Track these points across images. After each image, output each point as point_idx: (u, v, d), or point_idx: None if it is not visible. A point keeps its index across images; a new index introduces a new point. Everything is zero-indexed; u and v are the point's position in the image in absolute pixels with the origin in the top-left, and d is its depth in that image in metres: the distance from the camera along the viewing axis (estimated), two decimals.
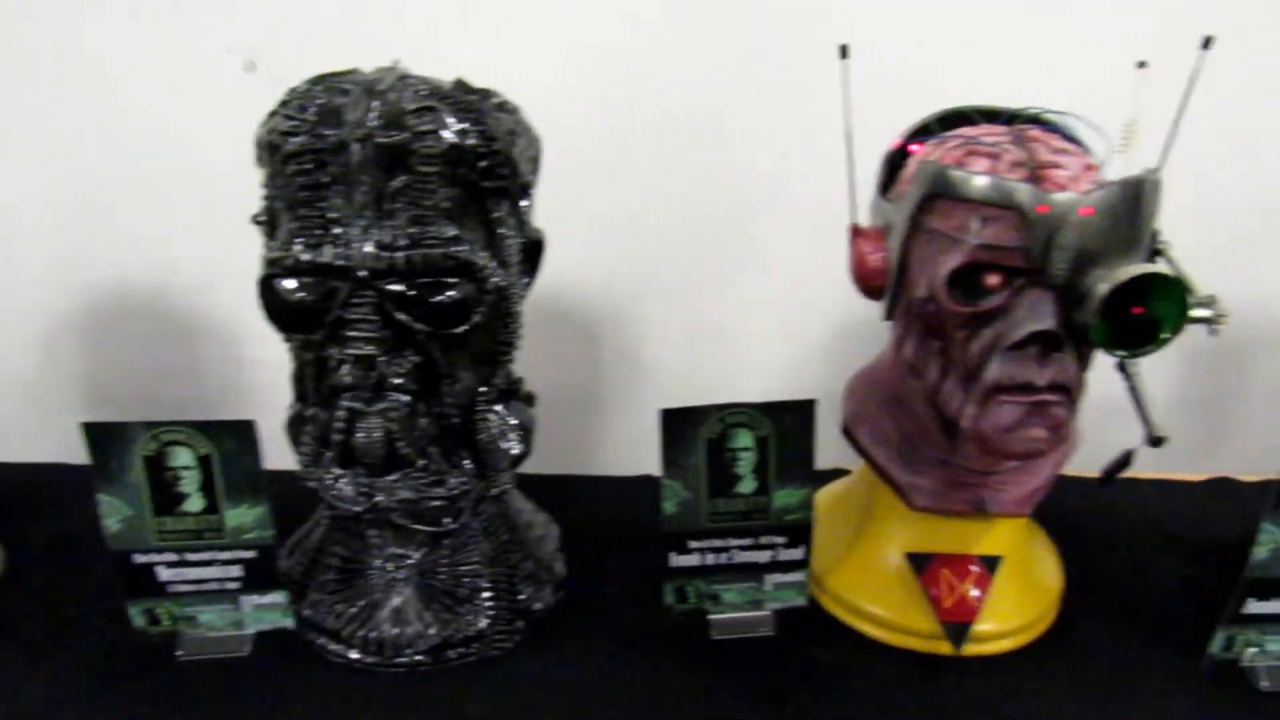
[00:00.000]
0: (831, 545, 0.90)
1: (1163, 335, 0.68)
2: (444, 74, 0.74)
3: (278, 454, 0.79)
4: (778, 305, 1.19)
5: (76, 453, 0.77)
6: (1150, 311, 0.67)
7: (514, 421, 0.80)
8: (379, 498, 0.74)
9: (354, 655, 0.82)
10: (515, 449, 0.80)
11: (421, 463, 0.74)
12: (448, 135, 0.67)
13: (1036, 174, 0.69)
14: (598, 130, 1.07)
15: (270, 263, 0.69)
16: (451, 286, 0.70)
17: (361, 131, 0.66)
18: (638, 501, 1.02)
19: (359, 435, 0.71)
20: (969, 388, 0.72)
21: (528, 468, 0.84)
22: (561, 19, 1.05)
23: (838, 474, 1.03)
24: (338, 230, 0.68)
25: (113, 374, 1.22)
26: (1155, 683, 0.83)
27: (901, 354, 0.78)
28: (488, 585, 0.84)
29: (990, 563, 0.84)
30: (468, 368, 0.75)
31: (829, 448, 0.90)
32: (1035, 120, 0.76)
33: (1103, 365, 0.74)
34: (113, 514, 0.78)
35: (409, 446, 0.72)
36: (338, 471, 0.74)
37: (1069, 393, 0.71)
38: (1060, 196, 0.67)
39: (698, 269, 1.18)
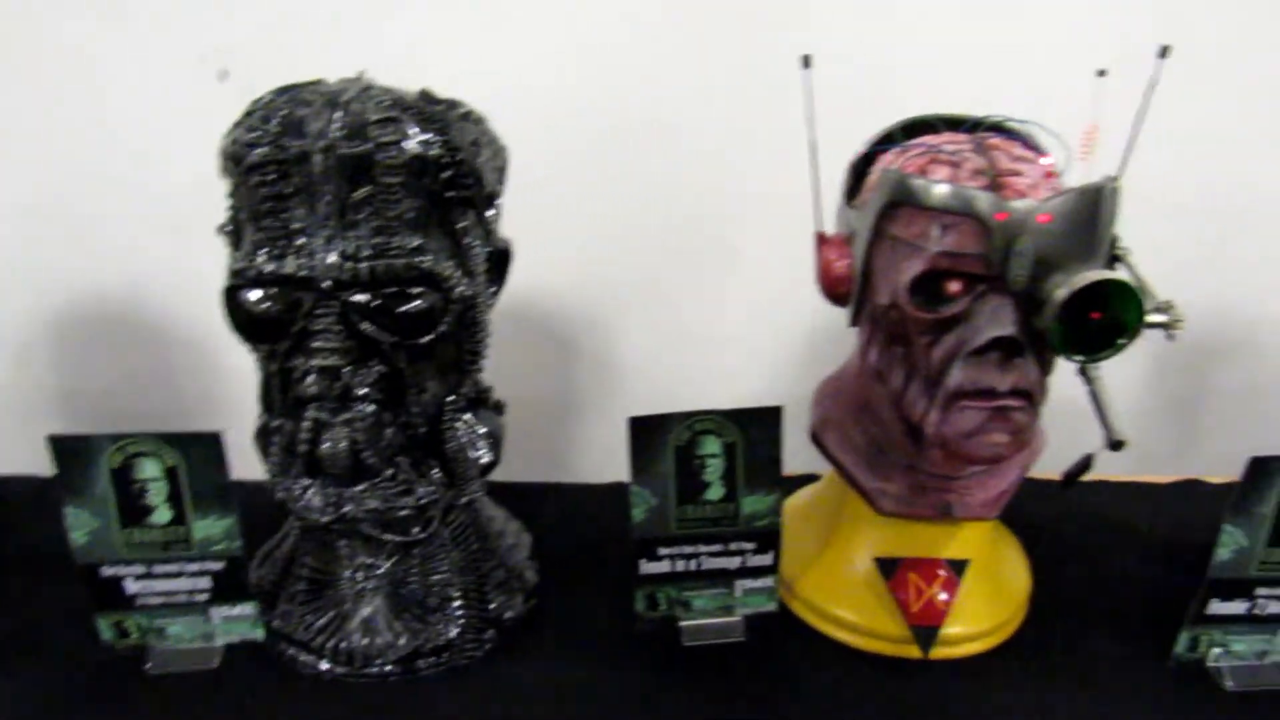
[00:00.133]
0: (802, 550, 0.90)
1: (1120, 341, 0.68)
2: (421, 83, 0.75)
3: (252, 464, 0.79)
4: (753, 311, 1.20)
5: (47, 465, 0.77)
6: (1108, 317, 0.68)
7: (483, 430, 0.80)
8: (347, 508, 0.74)
9: (324, 666, 0.82)
10: (485, 457, 0.80)
11: (389, 472, 0.74)
12: (410, 146, 0.68)
13: (997, 182, 0.70)
14: (573, 137, 1.08)
15: (234, 274, 0.69)
16: (416, 296, 0.70)
17: (324, 142, 0.66)
18: (610, 509, 1.02)
19: (324, 445, 0.70)
20: (932, 393, 0.73)
21: (501, 475, 0.84)
22: (538, 27, 1.06)
23: (810, 479, 1.03)
24: (301, 241, 0.68)
25: (86, 385, 1.21)
26: (1123, 684, 0.84)
27: (867, 360, 0.79)
28: (458, 594, 0.84)
29: (958, 566, 0.84)
30: (434, 377, 0.75)
31: (802, 453, 0.90)
32: (998, 128, 0.77)
33: (1069, 369, 0.75)
34: (79, 527, 0.78)
35: (375, 457, 0.72)
36: (306, 482, 0.74)
37: (1030, 398, 0.72)
38: (1019, 204, 0.68)
39: (673, 276, 1.18)
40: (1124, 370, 1.24)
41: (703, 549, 0.84)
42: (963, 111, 0.79)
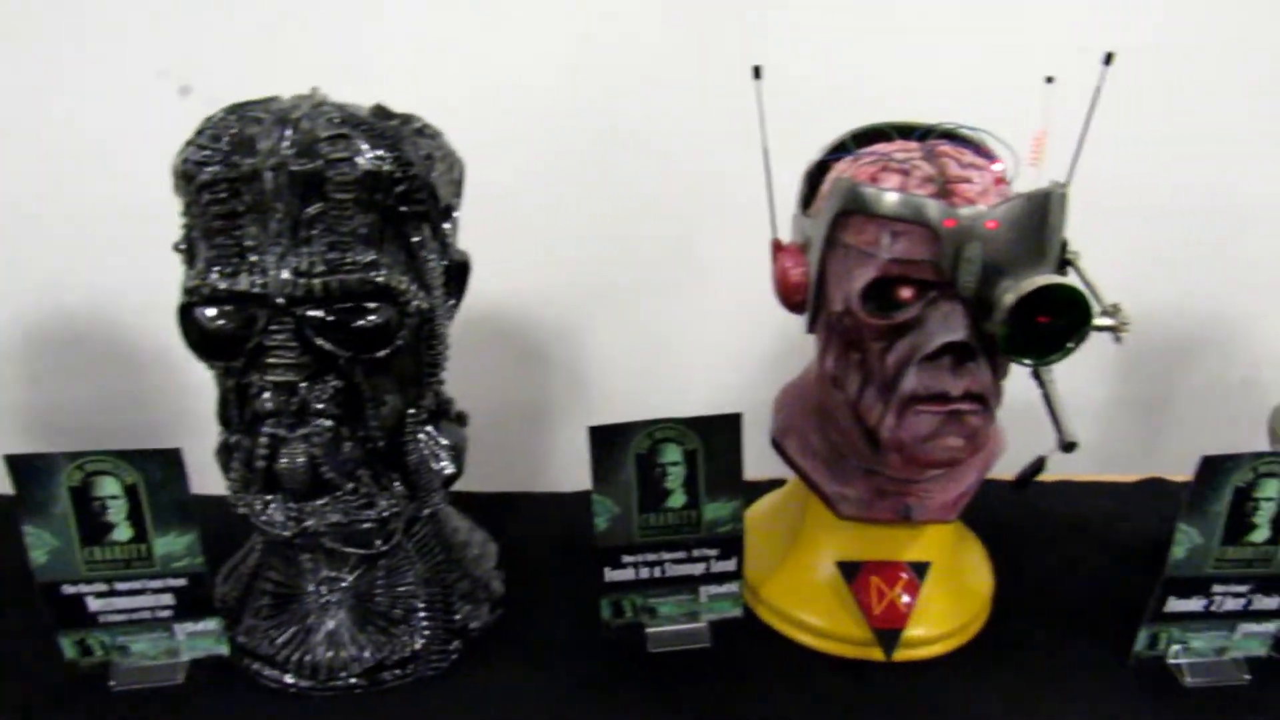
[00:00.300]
0: (766, 555, 0.91)
1: (1068, 344, 0.69)
2: (387, 98, 0.75)
3: (218, 479, 0.79)
4: (721, 318, 1.21)
5: (5, 484, 0.77)
6: (1056, 321, 0.68)
7: (445, 442, 0.81)
8: (309, 522, 0.74)
9: (289, 680, 0.82)
10: (447, 469, 0.81)
11: (351, 486, 0.74)
12: (362, 162, 0.68)
13: (946, 189, 0.70)
14: (540, 148, 1.08)
15: (188, 291, 0.69)
16: (371, 311, 0.70)
17: (274, 160, 0.66)
18: (577, 517, 1.02)
19: (282, 461, 0.70)
20: (887, 398, 0.73)
21: (468, 485, 0.85)
22: (503, 37, 1.06)
23: (778, 484, 1.04)
24: (254, 258, 0.68)
25: (52, 403, 1.21)
26: (1086, 682, 0.84)
27: (824, 366, 0.80)
28: (423, 605, 0.85)
29: (919, 569, 0.85)
30: (393, 391, 0.76)
31: (768, 459, 0.91)
32: (948, 135, 0.78)
33: (1024, 371, 0.75)
34: (39, 545, 0.77)
35: (333, 471, 0.72)
36: (267, 497, 0.74)
37: (984, 401, 0.73)
38: (967, 211, 0.69)
39: (641, 284, 1.19)
40: (1089, 371, 1.25)
41: (666, 556, 0.85)
42: (916, 119, 0.80)
